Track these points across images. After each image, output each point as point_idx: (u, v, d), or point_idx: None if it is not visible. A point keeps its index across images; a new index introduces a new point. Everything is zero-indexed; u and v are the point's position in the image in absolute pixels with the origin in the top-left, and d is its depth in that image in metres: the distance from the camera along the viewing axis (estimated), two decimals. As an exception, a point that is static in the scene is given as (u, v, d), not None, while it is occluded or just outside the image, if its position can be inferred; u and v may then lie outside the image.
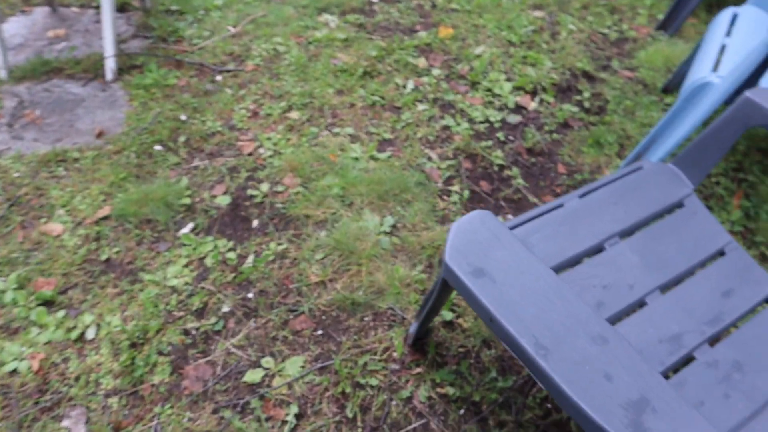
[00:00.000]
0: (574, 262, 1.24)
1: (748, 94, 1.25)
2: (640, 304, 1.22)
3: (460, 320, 1.60)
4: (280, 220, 1.82)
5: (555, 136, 2.23)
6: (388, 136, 2.15)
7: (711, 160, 1.35)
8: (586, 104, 2.37)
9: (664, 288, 1.25)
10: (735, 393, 1.13)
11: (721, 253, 1.34)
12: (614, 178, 1.38)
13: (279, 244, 1.75)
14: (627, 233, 1.31)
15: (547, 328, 0.80)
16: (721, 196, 2.04)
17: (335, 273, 1.68)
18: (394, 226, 1.83)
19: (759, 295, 1.29)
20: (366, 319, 1.59)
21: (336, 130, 2.15)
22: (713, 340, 1.20)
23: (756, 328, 1.23)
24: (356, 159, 2.04)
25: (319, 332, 1.55)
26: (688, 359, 1.16)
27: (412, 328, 1.50)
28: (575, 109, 2.34)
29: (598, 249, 1.26)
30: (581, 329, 0.81)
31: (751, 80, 1.62)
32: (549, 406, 1.47)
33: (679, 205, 1.37)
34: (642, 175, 1.38)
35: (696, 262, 1.30)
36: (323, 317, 1.58)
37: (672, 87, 2.40)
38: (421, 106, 2.28)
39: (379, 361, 1.49)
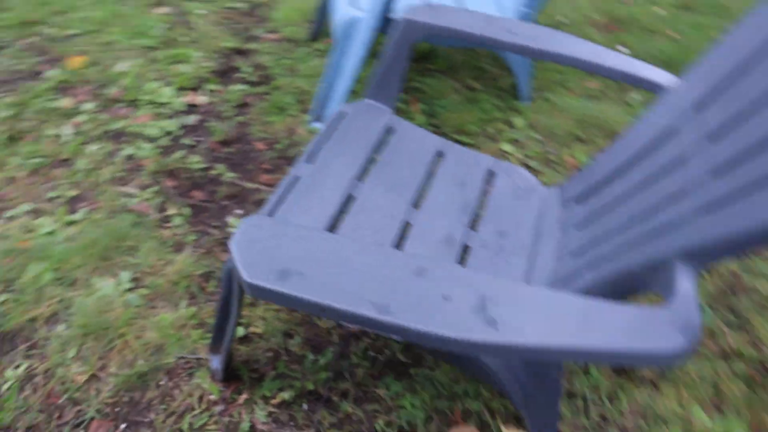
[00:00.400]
0: (338, 220, 1.26)
1: (405, 15, 1.37)
2: (407, 225, 1.30)
3: (251, 329, 1.54)
4: (0, 341, 1.52)
5: (239, 118, 2.21)
6: (73, 193, 1.90)
7: (395, 82, 1.47)
8: (251, 78, 2.38)
9: (416, 204, 1.35)
10: (511, 256, 1.29)
11: (440, 154, 1.48)
12: (327, 131, 1.42)
13: (16, 367, 1.46)
14: (364, 174, 1.37)
15: (374, 288, 0.81)
16: (402, 109, 2.25)
17: (101, 358, 1.47)
18: (134, 279, 1.65)
19: (482, 172, 1.47)
20: (162, 383, 1.43)
21: (9, 213, 1.83)
22: (473, 225, 1.35)
23: (495, 197, 1.41)
24: (52, 233, 1.78)
25: (123, 426, 1.35)
26: (465, 249, 1.29)
27: (216, 364, 1.40)
28: (243, 86, 2.34)
29: (350, 199, 1.30)
30: (401, 272, 0.83)
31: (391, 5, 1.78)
32: (371, 354, 1.52)
33: (390, 130, 1.47)
34: (349, 119, 1.45)
35: (427, 171, 1.43)
36: (117, 409, 1.38)
37: (317, 34, 2.53)
38: (91, 147, 2.05)
39: (202, 413, 1.37)
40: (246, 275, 0.81)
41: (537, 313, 0.82)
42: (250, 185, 1.96)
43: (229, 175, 1.99)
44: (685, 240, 0.94)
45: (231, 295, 1.19)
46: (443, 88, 2.35)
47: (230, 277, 1.16)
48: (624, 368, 1.61)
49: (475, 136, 2.16)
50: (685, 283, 0.91)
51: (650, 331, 0.83)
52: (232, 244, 0.85)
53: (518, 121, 2.25)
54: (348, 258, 0.85)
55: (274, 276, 0.81)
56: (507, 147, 2.11)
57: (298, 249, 0.85)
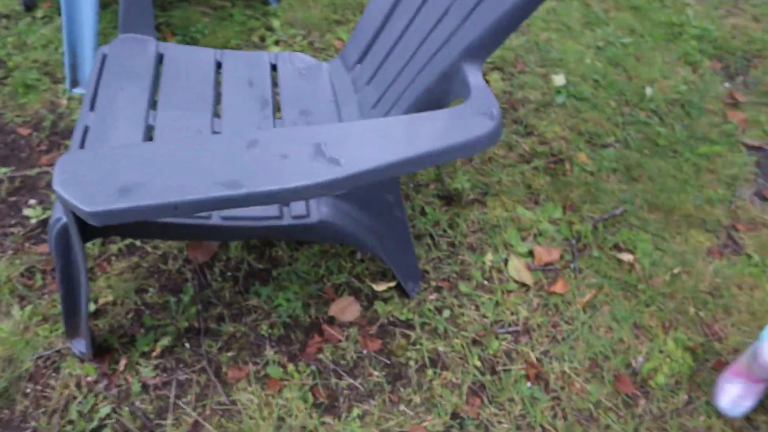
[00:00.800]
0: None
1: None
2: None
3: (101, 301, 1.48)
4: None
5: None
6: None
7: (147, 10, 1.42)
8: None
9: (217, 114, 1.35)
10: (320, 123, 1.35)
11: (218, 64, 1.48)
12: (97, 76, 1.34)
13: None
14: (152, 103, 1.33)
15: (217, 171, 0.83)
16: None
17: (-53, 396, 1.33)
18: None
19: (265, 67, 1.50)
20: (29, 389, 1.34)
21: None
22: (276, 115, 1.39)
23: (285, 85, 1.46)
24: None
25: (6, 444, 1.26)
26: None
27: (80, 346, 1.34)
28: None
29: (150, 129, 1.27)
30: (235, 149, 0.86)
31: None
32: (230, 274, 1.53)
33: (161, 57, 1.43)
34: (113, 58, 1.38)
35: (214, 82, 1.42)
36: (-9, 433, 1.28)
37: (30, 2, 2.29)
38: None
39: (86, 396, 1.31)
40: (86, 206, 0.79)
41: (369, 141, 0.90)
42: (32, 172, 1.80)
43: (3, 171, 1.80)
44: (461, 44, 1.07)
45: (70, 261, 1.13)
46: (191, 14, 2.28)
47: (64, 241, 1.09)
48: (453, 198, 1.80)
49: (241, 48, 2.15)
50: (475, 78, 1.04)
51: (464, 124, 0.96)
52: (57, 186, 0.82)
53: (275, 22, 2.27)
54: (179, 155, 0.86)
55: (116, 195, 0.80)
56: (274, 49, 2.13)
57: (126, 164, 0.84)
